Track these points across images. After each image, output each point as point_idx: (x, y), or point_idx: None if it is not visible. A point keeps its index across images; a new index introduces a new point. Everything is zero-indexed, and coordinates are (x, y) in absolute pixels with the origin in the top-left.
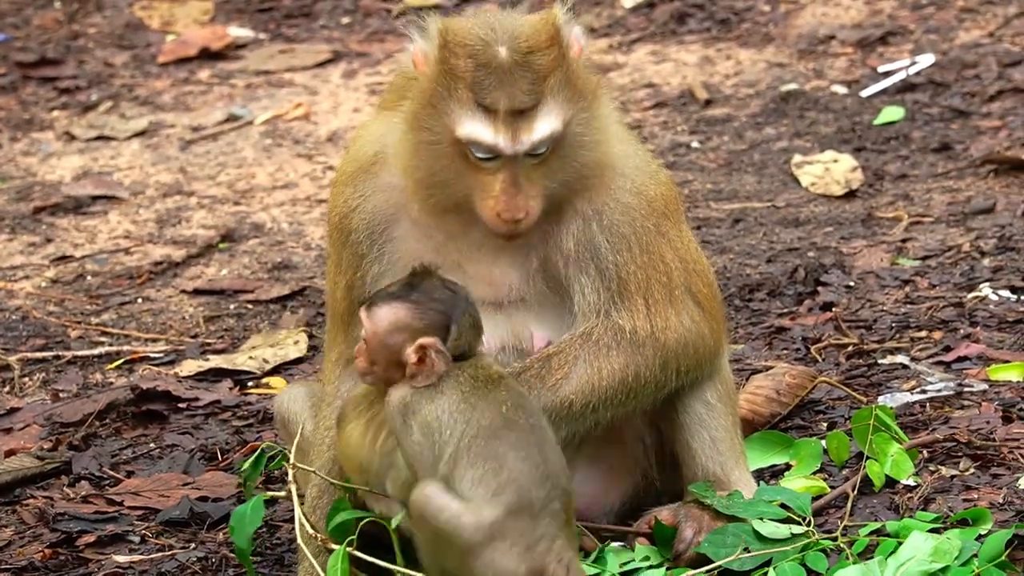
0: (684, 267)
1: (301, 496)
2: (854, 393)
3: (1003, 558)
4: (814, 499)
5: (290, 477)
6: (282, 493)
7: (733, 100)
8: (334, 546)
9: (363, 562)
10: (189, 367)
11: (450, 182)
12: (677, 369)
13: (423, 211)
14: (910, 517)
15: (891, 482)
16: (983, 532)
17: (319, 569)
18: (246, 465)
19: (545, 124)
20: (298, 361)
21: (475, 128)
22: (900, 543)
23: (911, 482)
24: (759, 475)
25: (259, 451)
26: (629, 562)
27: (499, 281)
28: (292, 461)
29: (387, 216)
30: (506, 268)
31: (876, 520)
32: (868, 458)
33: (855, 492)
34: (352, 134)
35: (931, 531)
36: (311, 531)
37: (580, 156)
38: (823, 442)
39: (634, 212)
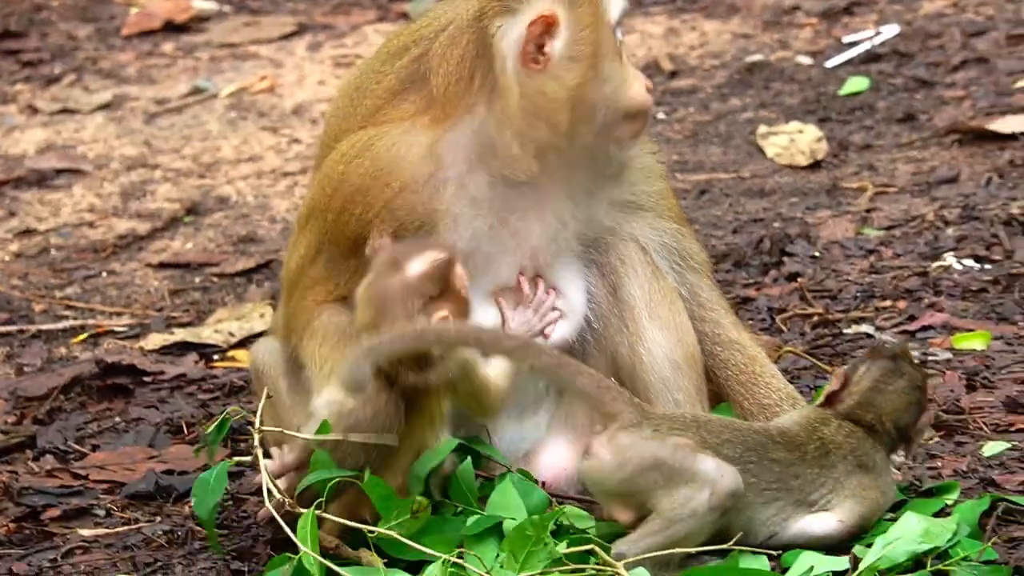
0: None
1: (269, 457)
2: (819, 363)
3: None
4: None
5: (255, 442)
6: (247, 458)
7: (698, 71)
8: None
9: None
10: (154, 341)
11: (613, 93)
12: None
13: (527, 167)
14: None
15: None
16: (949, 502)
17: (289, 532)
18: (209, 430)
19: None
20: (264, 334)
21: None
22: None
23: None
24: None
25: (222, 417)
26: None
27: (535, 245)
28: (258, 425)
29: (435, 211)
30: (545, 231)
31: None
32: None
33: None
34: (386, 151)
35: (898, 502)
36: (279, 497)
37: None
38: None
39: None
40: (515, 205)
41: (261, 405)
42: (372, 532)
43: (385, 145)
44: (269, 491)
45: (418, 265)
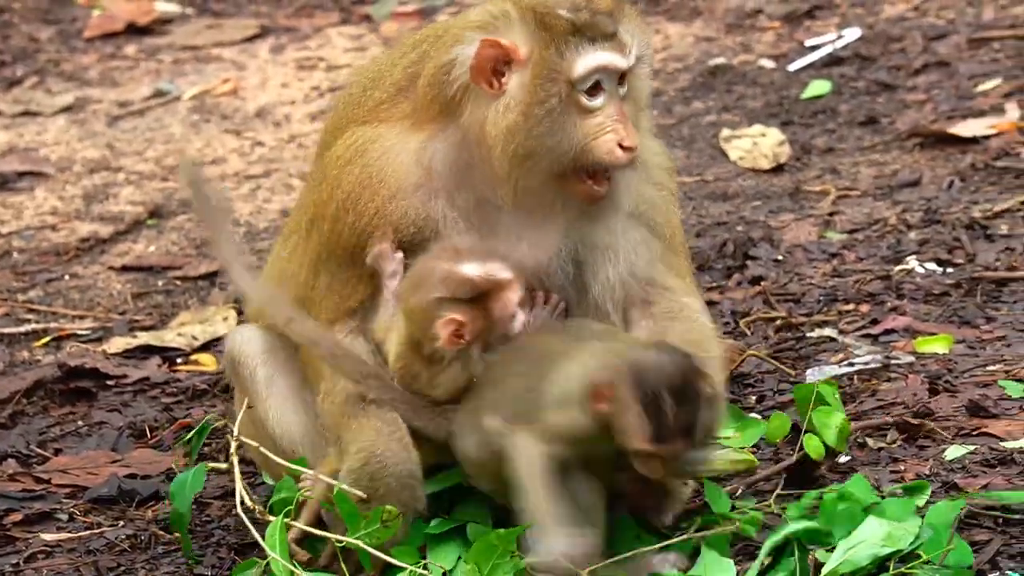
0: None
1: (242, 463)
2: (782, 367)
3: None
4: (748, 474)
5: (232, 450)
6: (223, 465)
7: (662, 74)
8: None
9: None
10: (117, 344)
11: (557, 146)
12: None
13: (503, 193)
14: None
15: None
16: (920, 504)
17: (260, 540)
18: (191, 435)
19: (629, 38)
20: (234, 327)
21: (591, 58)
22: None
23: (840, 457)
24: None
25: (202, 424)
26: None
27: (527, 263)
28: (236, 434)
29: (429, 218)
30: (534, 251)
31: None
32: (806, 432)
33: (793, 462)
34: (375, 160)
35: (869, 505)
36: (250, 504)
37: (642, 91)
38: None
39: (666, 171)
40: (502, 227)
41: (240, 416)
42: (340, 542)
43: (376, 152)
44: (241, 498)
45: (472, 268)
